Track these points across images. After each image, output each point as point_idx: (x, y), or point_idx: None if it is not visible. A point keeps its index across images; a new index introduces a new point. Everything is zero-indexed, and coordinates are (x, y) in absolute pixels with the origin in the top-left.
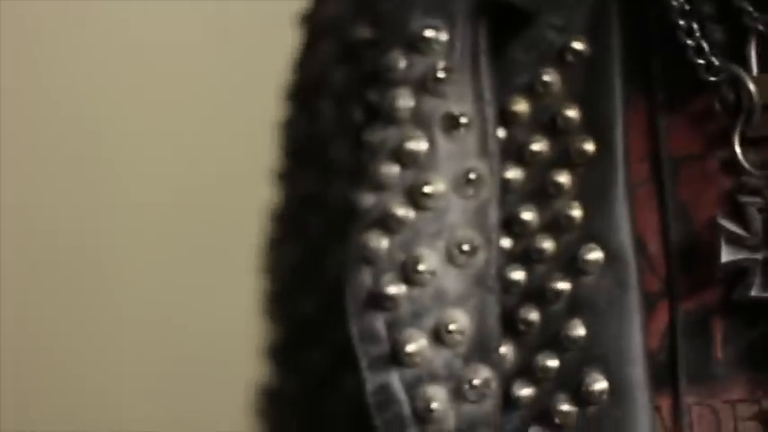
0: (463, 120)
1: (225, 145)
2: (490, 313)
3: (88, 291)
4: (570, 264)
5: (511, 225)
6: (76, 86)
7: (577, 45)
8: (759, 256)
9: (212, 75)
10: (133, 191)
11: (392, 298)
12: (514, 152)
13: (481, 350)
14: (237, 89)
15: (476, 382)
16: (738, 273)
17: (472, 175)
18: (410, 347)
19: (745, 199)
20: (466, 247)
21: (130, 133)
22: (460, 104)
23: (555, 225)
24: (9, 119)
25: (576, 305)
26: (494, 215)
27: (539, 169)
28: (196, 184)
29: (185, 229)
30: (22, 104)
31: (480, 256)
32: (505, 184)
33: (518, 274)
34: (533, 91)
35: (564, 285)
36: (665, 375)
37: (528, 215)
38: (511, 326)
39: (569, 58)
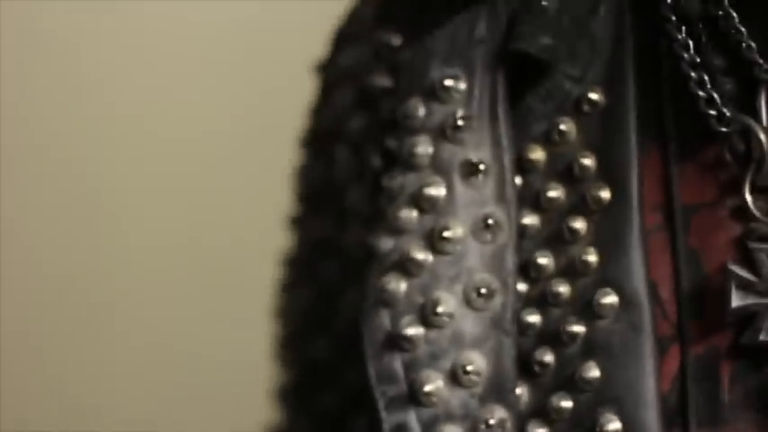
0: (481, 167)
1: (239, 190)
2: (506, 355)
3: (93, 305)
4: (585, 308)
5: (527, 269)
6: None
7: (594, 95)
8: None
9: (228, 119)
10: (147, 234)
11: (410, 339)
12: (531, 199)
13: (497, 391)
14: (253, 135)
15: (491, 422)
16: (747, 317)
17: (490, 221)
18: (427, 388)
19: (754, 245)
20: (483, 291)
21: (145, 177)
22: (479, 152)
23: (570, 270)
24: (9, 120)
25: (591, 348)
26: (511, 260)
27: (555, 216)
28: (210, 228)
29: (199, 270)
30: (24, 108)
31: (497, 300)
32: (522, 230)
33: (534, 318)
34: (550, 139)
35: (579, 328)
36: (675, 418)
37: (544, 260)
38: (526, 368)
39: (586, 107)
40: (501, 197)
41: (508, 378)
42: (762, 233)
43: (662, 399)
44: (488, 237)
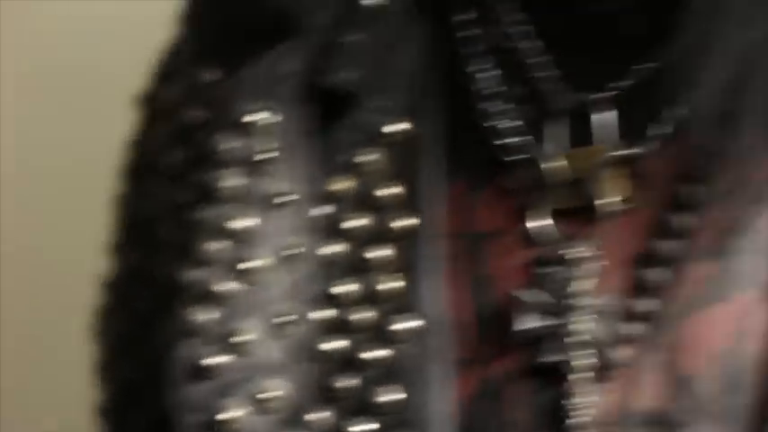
0: (286, 198)
1: (64, 213)
2: (308, 381)
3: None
4: (387, 333)
5: (331, 297)
6: None
7: (399, 126)
8: (552, 323)
9: (54, 145)
10: None
11: (214, 368)
12: (336, 228)
13: (299, 416)
14: (77, 162)
15: None
16: (534, 339)
17: (293, 251)
18: (230, 415)
19: (540, 270)
20: (286, 319)
21: None
22: (284, 184)
23: (373, 297)
24: (8, 119)
25: (391, 372)
26: (313, 288)
27: (359, 244)
28: (32, 247)
29: (19, 288)
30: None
31: (299, 328)
32: (327, 259)
33: (338, 344)
34: (356, 170)
35: (380, 354)
36: None
37: (348, 287)
38: (330, 392)
39: (392, 138)
40: (304, 228)
41: (310, 403)
42: (547, 258)
43: (459, 419)
44: (291, 266)
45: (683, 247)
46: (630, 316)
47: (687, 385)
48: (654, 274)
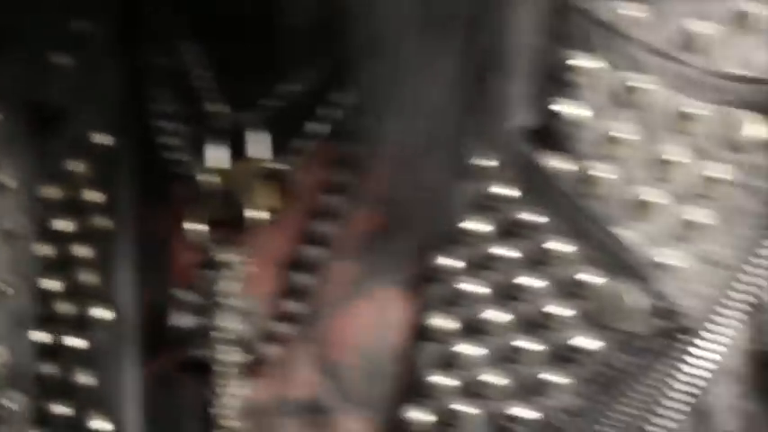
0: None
1: None
2: (13, 366)
3: None
4: (85, 322)
5: (39, 291)
6: None
7: (102, 138)
8: (204, 321)
9: None
10: None
11: None
12: (44, 230)
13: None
14: None
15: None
16: (189, 335)
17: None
18: None
19: (199, 272)
20: None
21: None
22: None
23: (75, 290)
24: None
25: (87, 357)
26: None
27: (65, 243)
28: None
29: None
30: None
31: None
32: (37, 258)
33: (42, 334)
34: (64, 178)
35: (77, 341)
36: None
37: (51, 283)
38: (33, 378)
39: (95, 149)
40: (8, 234)
41: (12, 387)
42: (202, 262)
43: (144, 401)
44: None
45: (327, 252)
46: (281, 316)
47: (335, 376)
48: (301, 278)
